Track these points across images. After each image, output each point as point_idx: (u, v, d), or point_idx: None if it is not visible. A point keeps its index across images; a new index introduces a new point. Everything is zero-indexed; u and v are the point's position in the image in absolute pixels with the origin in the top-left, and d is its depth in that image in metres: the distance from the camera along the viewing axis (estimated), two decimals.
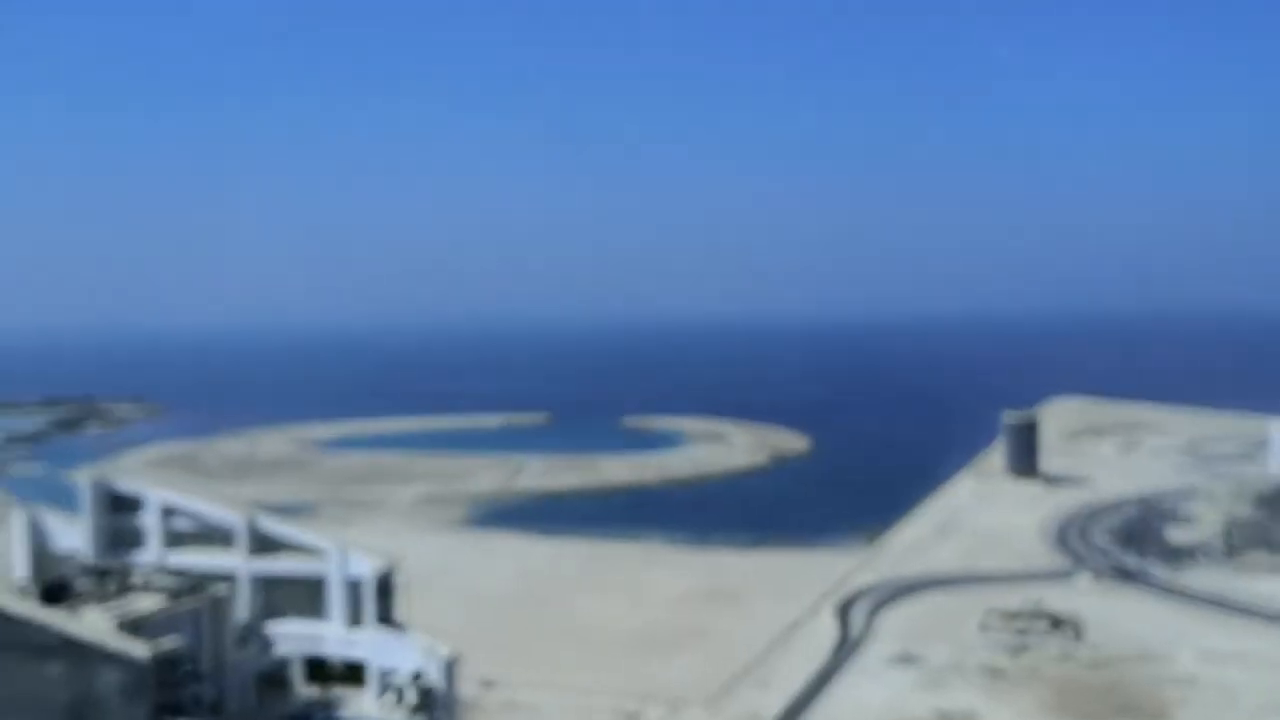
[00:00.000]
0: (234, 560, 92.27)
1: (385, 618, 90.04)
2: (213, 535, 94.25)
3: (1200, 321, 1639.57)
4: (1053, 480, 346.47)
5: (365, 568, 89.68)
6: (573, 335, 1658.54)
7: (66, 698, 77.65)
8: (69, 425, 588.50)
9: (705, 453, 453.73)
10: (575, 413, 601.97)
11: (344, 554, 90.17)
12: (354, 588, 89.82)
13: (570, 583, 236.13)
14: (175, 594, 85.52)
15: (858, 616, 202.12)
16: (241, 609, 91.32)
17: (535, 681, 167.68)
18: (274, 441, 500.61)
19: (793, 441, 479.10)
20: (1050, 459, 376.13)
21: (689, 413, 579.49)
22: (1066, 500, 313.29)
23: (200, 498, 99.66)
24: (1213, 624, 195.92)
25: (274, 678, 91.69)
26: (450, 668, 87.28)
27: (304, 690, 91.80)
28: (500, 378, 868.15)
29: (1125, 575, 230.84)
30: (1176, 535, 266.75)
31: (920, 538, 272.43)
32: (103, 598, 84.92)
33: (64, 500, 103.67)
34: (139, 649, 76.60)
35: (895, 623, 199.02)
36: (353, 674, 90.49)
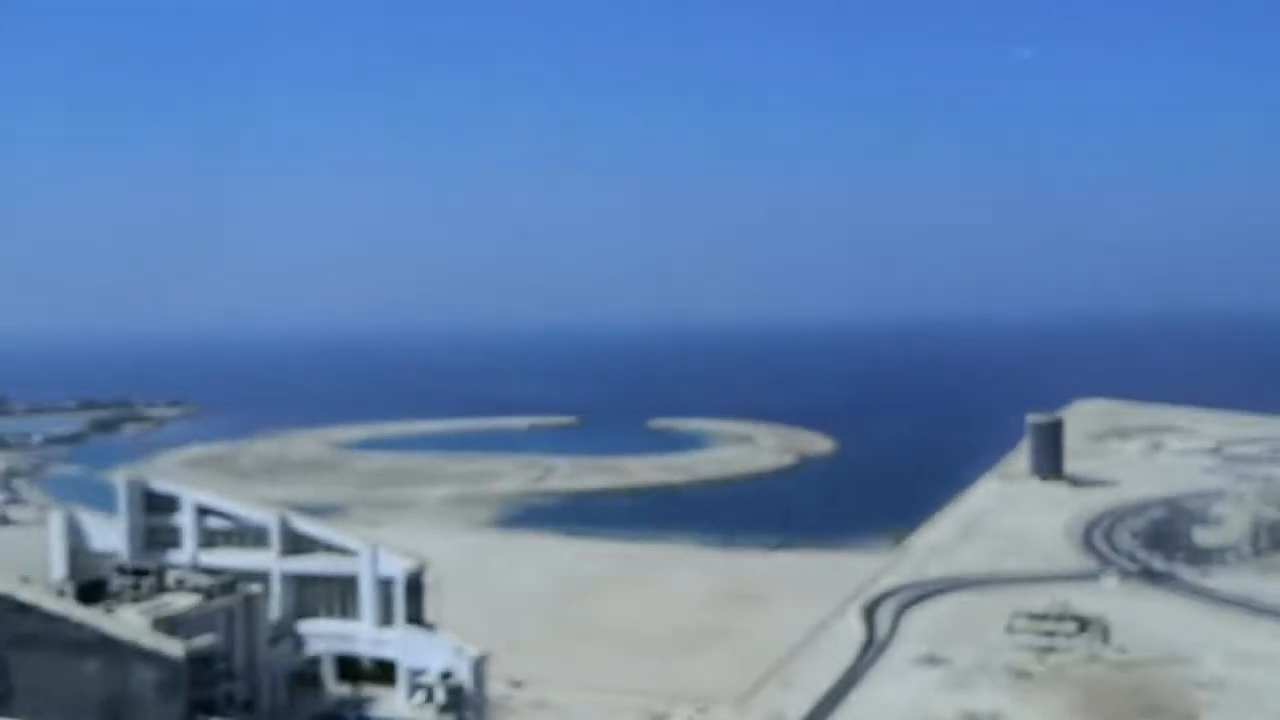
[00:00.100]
0: (267, 560, 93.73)
1: (415, 617, 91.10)
2: (246, 535, 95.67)
3: (1224, 323, 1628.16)
4: (1077, 482, 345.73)
5: (396, 568, 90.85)
6: (600, 339, 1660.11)
7: (103, 694, 79.15)
8: (106, 427, 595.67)
9: (731, 454, 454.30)
10: (603, 415, 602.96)
11: (375, 554, 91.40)
12: (384, 587, 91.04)
13: (598, 583, 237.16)
14: (209, 593, 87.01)
15: (883, 618, 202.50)
16: (274, 608, 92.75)
17: (563, 681, 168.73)
18: (306, 443, 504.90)
19: (818, 443, 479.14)
20: (1075, 461, 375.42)
21: (715, 415, 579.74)
22: (1092, 502, 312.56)
23: (234, 498, 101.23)
24: (1240, 626, 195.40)
25: (306, 676, 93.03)
26: (479, 667, 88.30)
27: (335, 688, 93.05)
28: (529, 381, 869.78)
29: (1152, 577, 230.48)
30: (1203, 537, 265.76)
31: (945, 539, 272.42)
32: (138, 596, 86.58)
33: (101, 501, 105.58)
34: (173, 647, 78.01)
35: (921, 624, 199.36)
36: (383, 673, 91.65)
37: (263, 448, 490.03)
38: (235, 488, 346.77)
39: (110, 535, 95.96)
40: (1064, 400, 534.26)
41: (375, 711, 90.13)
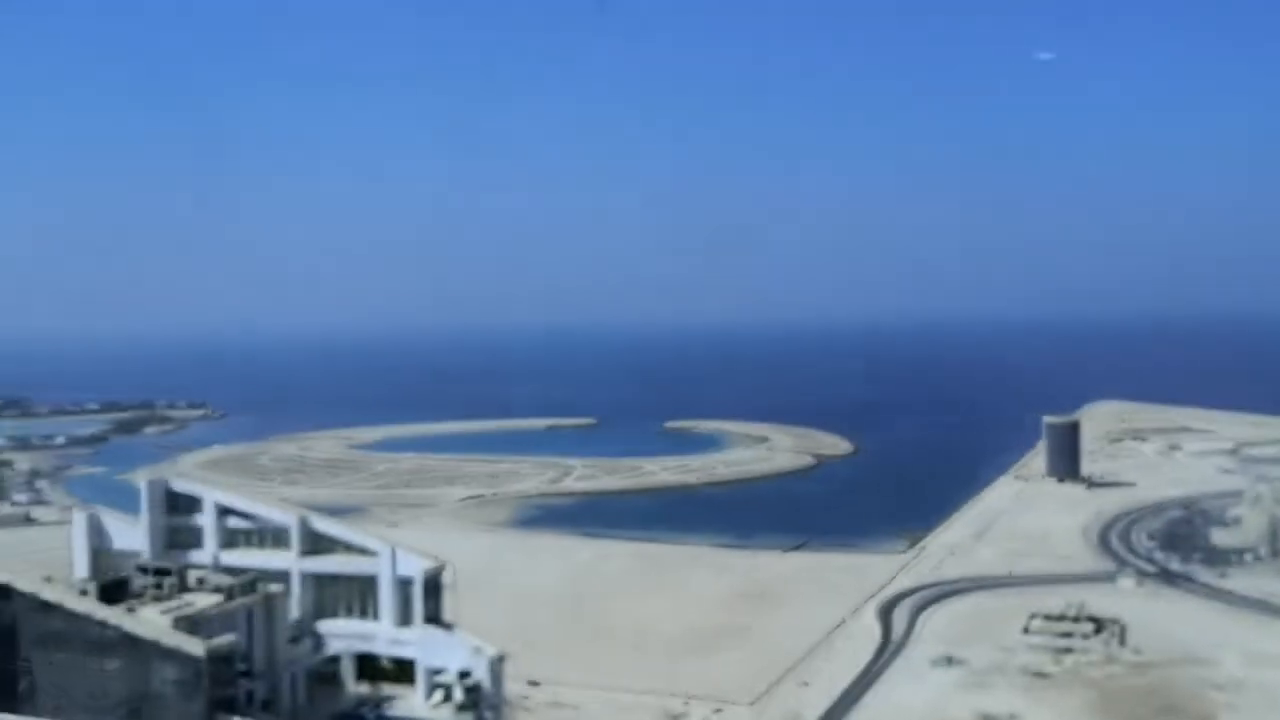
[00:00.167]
0: (287, 560, 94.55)
1: (434, 617, 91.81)
2: (266, 535, 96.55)
3: (1238, 324, 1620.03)
4: (1094, 483, 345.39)
5: (414, 568, 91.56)
6: (618, 341, 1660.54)
7: (125, 692, 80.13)
8: (128, 428, 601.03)
9: (748, 455, 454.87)
10: (620, 416, 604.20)
11: (393, 554, 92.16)
12: (403, 587, 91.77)
13: (615, 583, 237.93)
14: (230, 593, 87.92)
15: (900, 618, 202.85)
16: (294, 607, 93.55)
17: (580, 681, 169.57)
18: (325, 444, 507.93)
19: (835, 444, 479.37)
20: (1091, 462, 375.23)
21: (731, 416, 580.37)
22: (1108, 503, 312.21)
23: (254, 499, 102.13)
24: (1258, 627, 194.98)
25: (325, 675, 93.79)
26: (497, 667, 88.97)
27: (354, 687, 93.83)
28: (546, 382, 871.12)
29: (1169, 578, 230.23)
30: (1220, 538, 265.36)
31: (962, 540, 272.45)
32: (160, 596, 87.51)
33: (123, 501, 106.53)
34: (195, 646, 78.93)
35: (937, 624, 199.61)
36: (402, 672, 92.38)
37: (282, 449, 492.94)
38: (255, 488, 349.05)
39: (132, 535, 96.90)
40: (1080, 401, 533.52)
41: (394, 710, 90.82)
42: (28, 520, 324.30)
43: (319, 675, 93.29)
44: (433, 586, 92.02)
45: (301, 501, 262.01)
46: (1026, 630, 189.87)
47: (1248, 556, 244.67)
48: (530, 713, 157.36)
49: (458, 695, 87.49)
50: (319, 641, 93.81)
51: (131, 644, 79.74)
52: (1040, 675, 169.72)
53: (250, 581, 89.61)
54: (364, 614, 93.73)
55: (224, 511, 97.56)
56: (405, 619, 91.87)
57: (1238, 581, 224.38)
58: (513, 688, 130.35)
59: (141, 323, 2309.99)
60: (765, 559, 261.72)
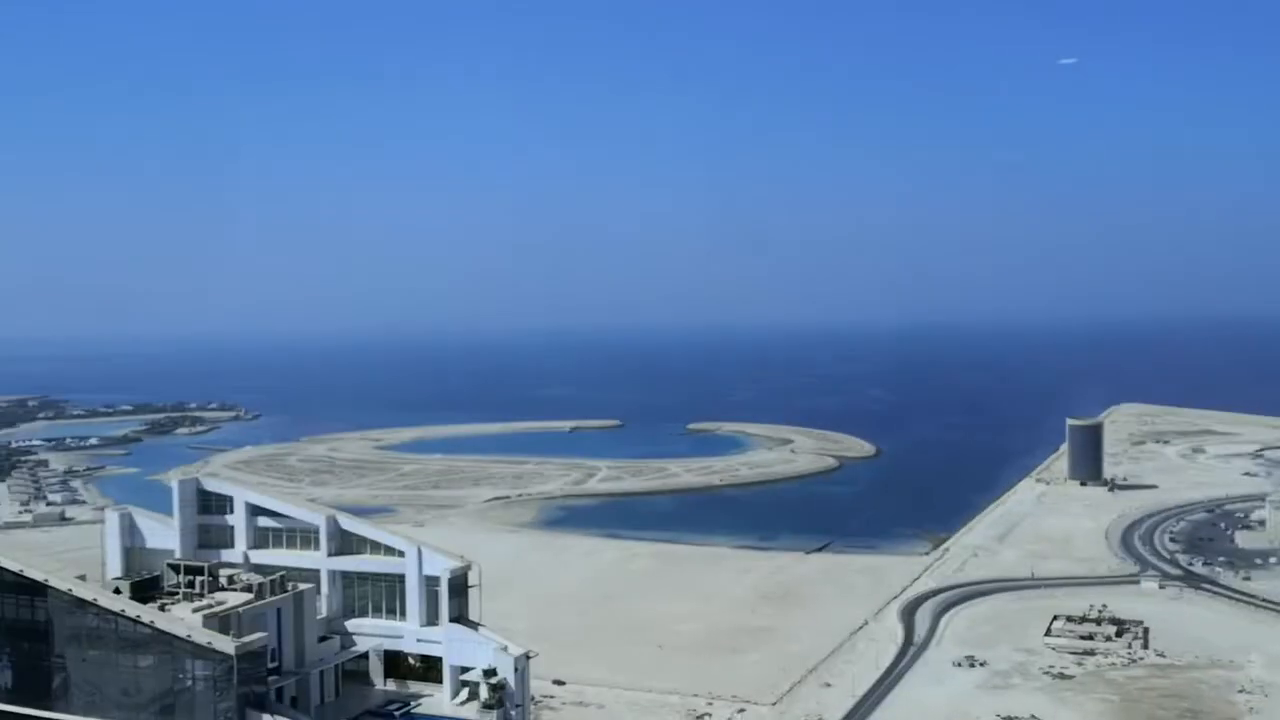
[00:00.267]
0: (316, 559, 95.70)
1: (460, 616, 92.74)
2: (296, 535, 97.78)
3: (1266, 327, 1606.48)
4: (1117, 485, 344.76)
5: (441, 567, 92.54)
6: (642, 343, 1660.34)
7: (157, 688, 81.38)
8: (160, 429, 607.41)
9: (771, 457, 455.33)
10: (644, 418, 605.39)
11: (420, 554, 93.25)
12: (430, 587, 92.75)
13: (639, 583, 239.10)
14: (260, 591, 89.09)
15: (922, 619, 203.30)
16: (323, 606, 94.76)
17: (605, 680, 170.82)
18: (353, 445, 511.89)
19: (858, 446, 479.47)
20: (1114, 464, 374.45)
21: (755, 419, 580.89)
22: (1131, 505, 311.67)
23: (284, 499, 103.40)
24: None
25: (354, 672, 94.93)
26: (522, 665, 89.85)
27: (382, 685, 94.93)
28: (572, 384, 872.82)
29: (1192, 580, 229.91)
30: (1244, 541, 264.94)
31: (985, 542, 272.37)
32: (192, 594, 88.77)
33: (156, 501, 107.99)
34: (226, 643, 80.00)
35: (960, 626, 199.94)
36: (429, 670, 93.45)
37: (312, 449, 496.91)
38: (285, 488, 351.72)
39: (165, 534, 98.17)
40: (1102, 404, 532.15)
41: (421, 708, 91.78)
42: (62, 519, 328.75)
43: (347, 672, 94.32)
44: (459, 586, 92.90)
45: (330, 502, 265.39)
46: (1049, 632, 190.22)
47: (1272, 559, 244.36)
48: (555, 711, 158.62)
49: (484, 693, 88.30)
50: (347, 639, 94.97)
51: (164, 641, 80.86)
52: (1062, 677, 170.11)
53: (280, 580, 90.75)
54: (391, 613, 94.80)
55: (254, 511, 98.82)
56: (432, 618, 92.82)
57: (1262, 584, 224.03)
58: (538, 686, 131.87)
59: (173, 326, 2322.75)
60: (788, 560, 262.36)
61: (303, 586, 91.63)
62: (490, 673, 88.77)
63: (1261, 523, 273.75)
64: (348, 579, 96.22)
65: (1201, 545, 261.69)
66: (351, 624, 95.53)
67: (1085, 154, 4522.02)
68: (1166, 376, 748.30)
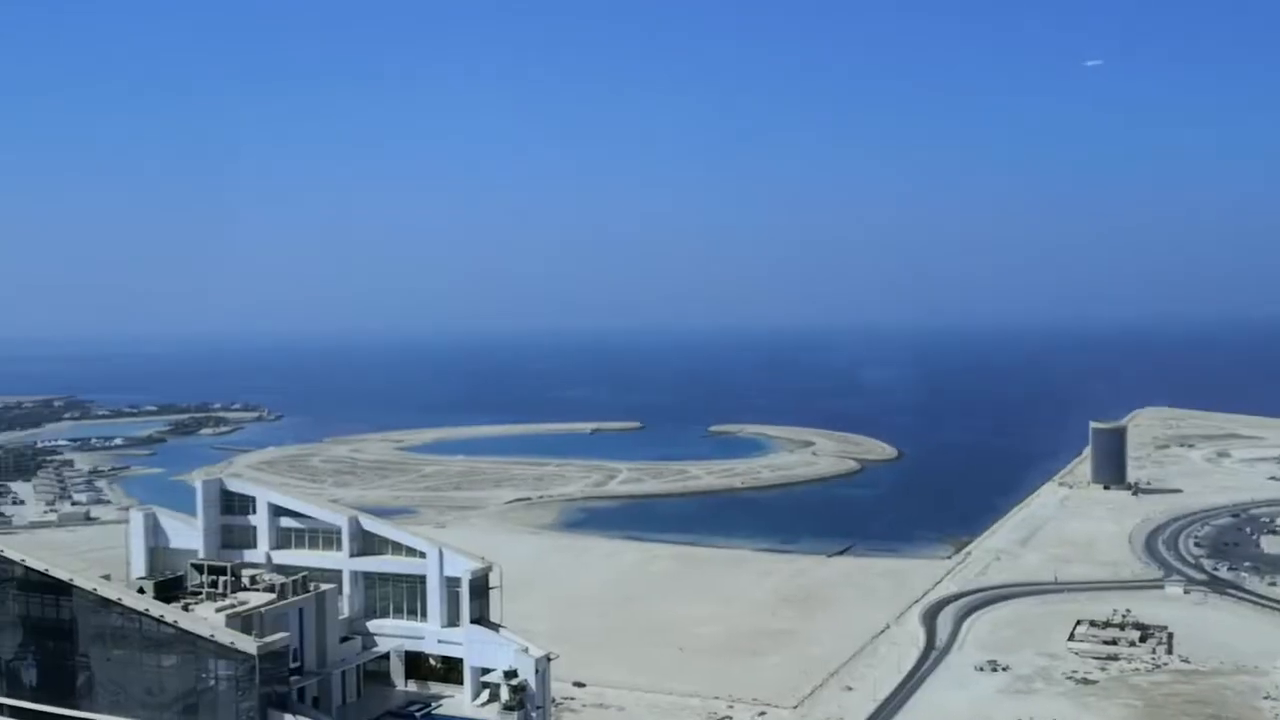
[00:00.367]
0: (338, 560, 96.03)
1: (481, 617, 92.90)
2: (318, 535, 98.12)
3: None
4: (1141, 489, 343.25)
5: (462, 569, 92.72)
6: (664, 345, 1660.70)
7: (181, 688, 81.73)
8: (184, 430, 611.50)
9: (792, 460, 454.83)
10: (665, 420, 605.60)
11: (441, 555, 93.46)
12: (451, 588, 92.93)
13: (659, 585, 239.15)
14: (283, 591, 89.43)
15: (944, 623, 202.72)
16: (345, 606, 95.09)
17: (625, 682, 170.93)
18: (375, 446, 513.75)
19: (880, 449, 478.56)
20: (1138, 468, 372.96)
21: (777, 421, 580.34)
22: (1155, 509, 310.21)
23: (307, 499, 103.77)
24: None
25: (375, 672, 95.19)
26: (543, 667, 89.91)
27: (403, 685, 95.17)
28: (593, 386, 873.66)
29: (1217, 585, 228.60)
30: (1270, 545, 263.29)
31: (1008, 545, 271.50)
32: (215, 594, 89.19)
33: (180, 501, 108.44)
34: (248, 643, 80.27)
35: (982, 630, 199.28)
36: (450, 671, 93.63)
37: (334, 450, 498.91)
38: (307, 489, 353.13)
39: (188, 534, 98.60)
40: (1127, 407, 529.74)
41: (441, 709, 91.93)
42: (87, 519, 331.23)
43: (368, 673, 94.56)
44: (480, 587, 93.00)
45: (352, 502, 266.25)
46: (1072, 637, 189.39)
47: None
48: (575, 713, 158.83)
49: (504, 695, 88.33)
50: (369, 640, 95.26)
51: (187, 641, 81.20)
52: (1086, 682, 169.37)
53: (302, 580, 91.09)
54: (413, 614, 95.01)
55: (277, 512, 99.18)
56: (453, 619, 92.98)
57: None
58: (558, 688, 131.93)
59: (173, 326, 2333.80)
60: (809, 563, 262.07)
61: (325, 587, 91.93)
62: (511, 674, 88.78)
63: None
64: (369, 580, 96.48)
65: (1226, 550, 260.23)
66: (373, 624, 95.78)
67: (1086, 154, 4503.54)
68: (1193, 380, 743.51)
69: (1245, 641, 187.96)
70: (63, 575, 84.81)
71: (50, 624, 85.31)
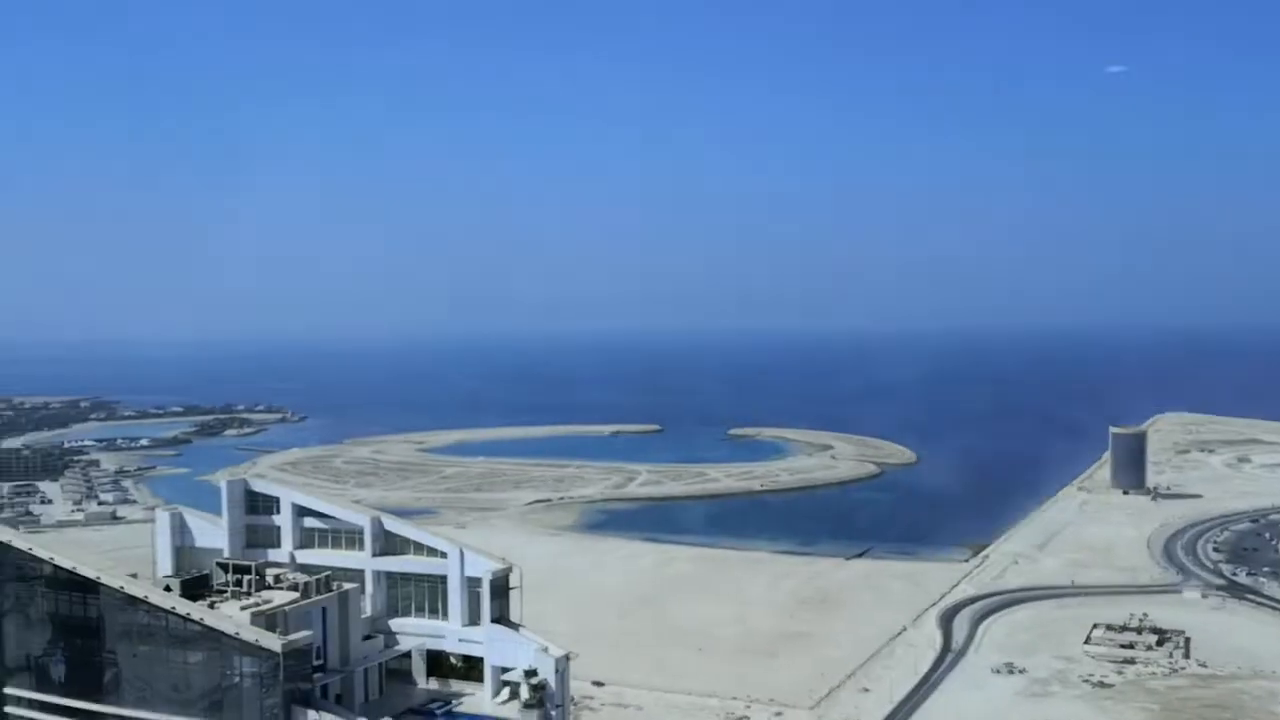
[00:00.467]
0: (361, 559, 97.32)
1: (501, 617, 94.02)
2: (341, 535, 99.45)
3: None
4: (1160, 494, 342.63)
5: (483, 569, 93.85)
6: (684, 348, 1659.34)
7: (206, 684, 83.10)
8: (210, 431, 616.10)
9: (811, 463, 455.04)
10: (684, 423, 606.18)
11: (462, 555, 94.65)
12: (472, 587, 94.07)
13: (678, 587, 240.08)
14: (306, 590, 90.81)
15: (961, 626, 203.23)
16: (367, 605, 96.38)
17: (644, 682, 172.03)
18: (397, 447, 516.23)
19: (899, 453, 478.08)
20: (1157, 473, 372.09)
21: (796, 424, 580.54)
22: (1174, 514, 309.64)
23: (330, 500, 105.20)
24: None
25: (397, 670, 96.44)
26: (562, 666, 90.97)
27: (425, 684, 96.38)
28: (613, 388, 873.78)
29: (1235, 590, 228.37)
30: None
31: (1026, 549, 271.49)
32: (240, 592, 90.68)
33: (205, 501, 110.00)
34: (272, 641, 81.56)
35: (998, 633, 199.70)
36: (470, 669, 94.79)
37: (356, 452, 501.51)
38: (330, 490, 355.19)
39: (214, 534, 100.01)
40: (1147, 412, 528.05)
41: (462, 707, 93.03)
42: (114, 518, 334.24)
43: (390, 671, 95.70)
44: (500, 587, 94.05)
45: (374, 503, 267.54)
46: (1089, 640, 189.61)
47: None
48: (594, 712, 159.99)
49: (524, 693, 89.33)
50: (391, 638, 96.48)
51: (212, 638, 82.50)
52: (1102, 685, 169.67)
53: (326, 579, 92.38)
54: (434, 613, 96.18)
55: (301, 512, 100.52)
56: (474, 618, 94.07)
57: None
58: (578, 687, 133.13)
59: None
60: (827, 565, 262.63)
61: (348, 586, 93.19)
62: (531, 673, 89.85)
63: None
64: (391, 579, 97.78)
65: (1245, 555, 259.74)
66: (395, 623, 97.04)
67: (1111, 154, 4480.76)
68: (1213, 385, 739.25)
69: (1264, 646, 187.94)
70: (90, 573, 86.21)
71: (78, 621, 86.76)
